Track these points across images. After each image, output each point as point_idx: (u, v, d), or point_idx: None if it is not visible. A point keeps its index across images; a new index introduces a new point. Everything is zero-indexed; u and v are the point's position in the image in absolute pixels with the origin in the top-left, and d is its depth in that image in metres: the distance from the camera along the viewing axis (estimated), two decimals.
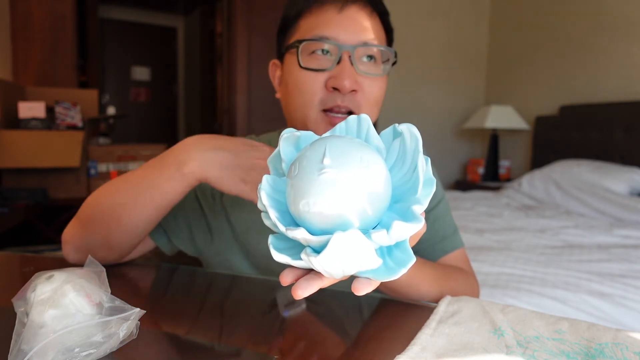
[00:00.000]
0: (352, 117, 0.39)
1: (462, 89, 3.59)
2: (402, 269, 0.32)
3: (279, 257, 0.33)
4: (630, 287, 1.20)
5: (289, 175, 0.34)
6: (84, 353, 0.37)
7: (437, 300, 0.57)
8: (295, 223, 0.35)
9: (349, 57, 0.61)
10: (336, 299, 0.58)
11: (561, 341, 0.43)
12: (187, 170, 0.54)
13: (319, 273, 0.33)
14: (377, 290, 0.62)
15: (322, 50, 0.62)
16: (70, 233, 0.64)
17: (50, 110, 2.60)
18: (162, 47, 5.78)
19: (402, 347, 0.42)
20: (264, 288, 0.63)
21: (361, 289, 0.32)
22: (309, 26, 0.64)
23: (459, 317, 0.48)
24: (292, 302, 0.56)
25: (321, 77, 0.62)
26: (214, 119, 4.53)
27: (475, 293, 0.69)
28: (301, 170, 0.32)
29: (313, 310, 0.55)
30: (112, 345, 0.38)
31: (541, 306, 1.11)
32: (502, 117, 3.06)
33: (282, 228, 0.33)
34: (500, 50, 3.50)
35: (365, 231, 0.31)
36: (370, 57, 0.63)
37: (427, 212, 0.73)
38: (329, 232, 0.31)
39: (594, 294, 1.17)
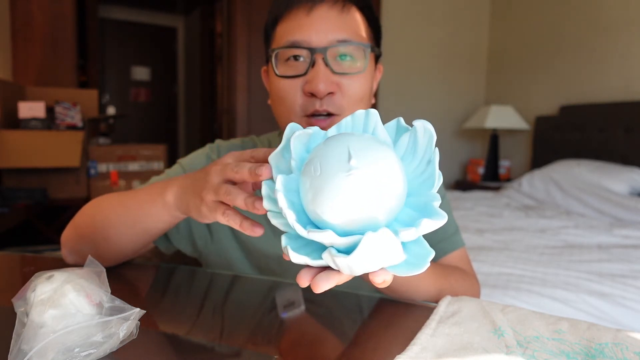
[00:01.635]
0: (359, 111, 0.39)
1: (462, 89, 3.59)
2: (425, 263, 0.32)
3: (297, 258, 0.33)
4: (630, 287, 1.20)
5: (306, 174, 0.33)
6: (84, 353, 0.37)
7: (436, 300, 0.57)
8: (310, 222, 0.35)
9: (323, 58, 0.60)
10: (336, 299, 0.58)
11: (561, 341, 0.43)
12: (167, 198, 0.53)
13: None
14: (375, 290, 0.62)
15: (295, 57, 0.62)
16: (67, 237, 0.66)
17: (50, 110, 2.60)
18: (162, 47, 5.78)
19: (402, 347, 0.42)
20: (264, 288, 0.63)
21: (379, 275, 0.33)
22: (282, 33, 0.63)
23: (459, 317, 0.48)
24: (291, 303, 0.56)
25: (298, 83, 0.62)
26: (214, 119, 4.53)
27: (475, 293, 0.69)
28: (324, 171, 0.32)
29: (313, 310, 0.55)
30: (112, 345, 0.38)
31: (541, 306, 1.11)
32: (502, 117, 3.06)
33: (302, 231, 0.33)
34: (500, 50, 3.50)
35: (392, 228, 0.32)
36: (347, 54, 0.62)
37: None
38: (354, 232, 0.32)
39: (594, 294, 1.17)
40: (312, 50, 0.60)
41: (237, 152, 0.46)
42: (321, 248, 0.34)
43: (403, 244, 0.34)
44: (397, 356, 0.40)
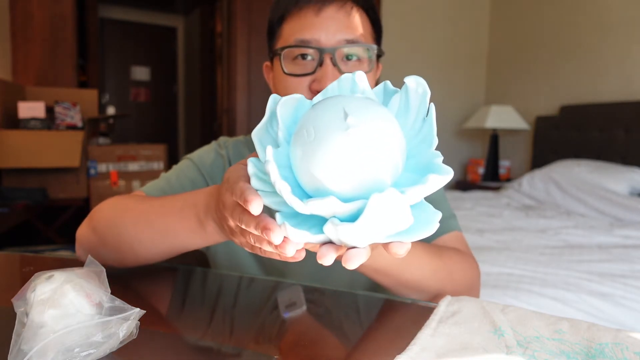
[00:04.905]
0: (345, 75, 0.37)
1: (462, 89, 3.59)
2: (434, 223, 0.30)
3: (297, 235, 0.30)
4: (630, 287, 1.20)
5: (298, 142, 0.30)
6: (84, 353, 0.37)
7: (432, 284, 0.57)
8: (306, 196, 0.32)
9: (331, 58, 0.62)
10: (336, 299, 0.58)
11: (561, 341, 0.43)
12: (208, 230, 0.48)
13: None
14: (373, 283, 0.61)
15: (303, 55, 0.63)
16: (84, 235, 0.63)
17: (50, 110, 2.60)
18: (162, 47, 5.78)
19: (402, 347, 0.42)
20: (265, 289, 0.63)
21: (400, 249, 0.31)
22: (290, 31, 0.64)
23: (459, 317, 0.48)
24: (293, 303, 0.56)
25: (305, 81, 0.63)
26: (214, 119, 4.53)
27: (474, 273, 0.66)
28: (320, 134, 0.29)
29: (313, 311, 0.55)
30: (112, 345, 0.38)
31: (541, 306, 1.11)
32: (502, 117, 3.06)
33: (299, 204, 0.29)
34: (500, 50, 3.50)
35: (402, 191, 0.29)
36: (354, 55, 0.63)
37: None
38: (356, 197, 0.29)
39: (594, 294, 1.17)
40: (321, 50, 0.61)
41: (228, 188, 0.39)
42: (319, 222, 0.31)
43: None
44: (397, 356, 0.40)
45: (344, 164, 0.28)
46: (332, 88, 0.37)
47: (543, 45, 3.09)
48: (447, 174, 0.30)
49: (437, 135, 0.33)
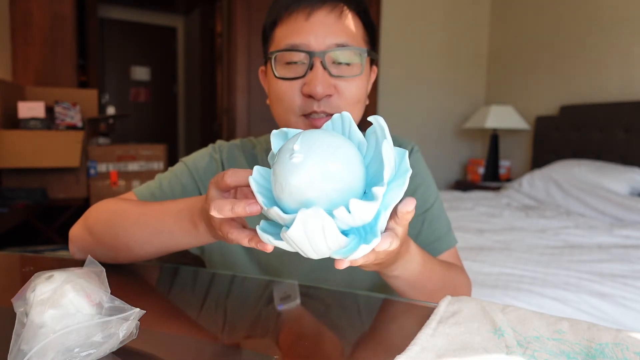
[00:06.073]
0: (336, 115, 0.42)
1: (462, 89, 3.59)
2: (364, 246, 0.35)
3: (263, 236, 0.37)
4: (630, 287, 1.20)
5: (273, 164, 0.38)
6: (84, 353, 0.37)
7: (441, 295, 0.57)
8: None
9: (321, 62, 0.61)
10: (335, 299, 0.58)
11: (561, 341, 0.43)
12: (200, 230, 0.53)
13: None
14: (369, 284, 0.61)
15: (295, 60, 0.63)
16: (78, 235, 0.66)
17: (50, 110, 2.60)
18: (162, 47, 5.77)
19: (402, 347, 0.42)
20: (263, 289, 0.63)
21: (340, 264, 0.38)
22: (281, 36, 0.64)
23: (459, 317, 0.48)
24: (288, 296, 0.57)
25: (297, 85, 0.63)
26: (213, 119, 4.53)
27: (470, 286, 0.72)
28: (278, 158, 0.36)
29: (313, 310, 0.55)
30: (112, 345, 0.38)
31: (541, 306, 1.11)
32: (502, 117, 3.06)
33: (264, 208, 0.37)
34: (500, 50, 3.50)
35: (330, 212, 0.34)
36: (344, 58, 0.63)
37: (423, 212, 0.74)
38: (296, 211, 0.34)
39: (594, 294, 1.17)
40: (310, 54, 0.61)
41: (214, 181, 0.46)
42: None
43: (355, 228, 0.37)
44: (397, 356, 0.40)
45: (286, 183, 0.35)
46: (326, 126, 0.42)
47: (543, 45, 3.09)
48: (372, 201, 0.34)
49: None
